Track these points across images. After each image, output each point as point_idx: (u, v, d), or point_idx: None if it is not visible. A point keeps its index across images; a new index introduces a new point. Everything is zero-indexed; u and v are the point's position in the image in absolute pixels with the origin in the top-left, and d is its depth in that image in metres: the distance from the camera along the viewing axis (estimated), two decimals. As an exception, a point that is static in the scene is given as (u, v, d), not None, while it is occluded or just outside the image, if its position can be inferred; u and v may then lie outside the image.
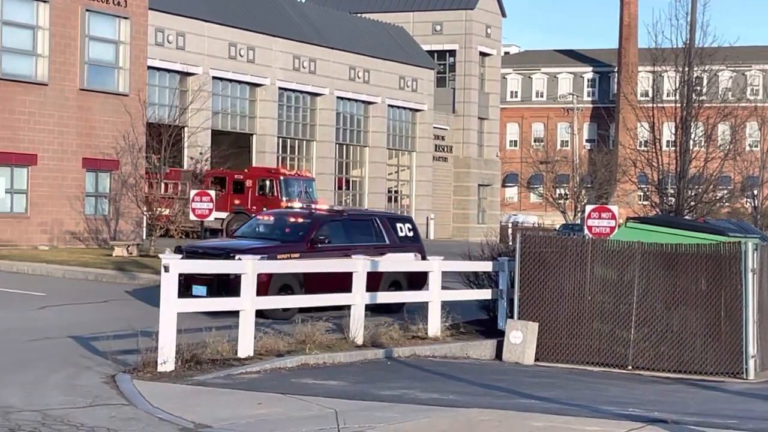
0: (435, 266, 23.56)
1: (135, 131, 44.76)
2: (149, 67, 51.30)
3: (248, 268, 19.18)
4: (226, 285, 23.02)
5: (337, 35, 72.66)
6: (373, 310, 23.65)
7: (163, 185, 47.35)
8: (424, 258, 27.42)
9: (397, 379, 18.22)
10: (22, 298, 28.42)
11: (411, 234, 28.51)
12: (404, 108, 79.12)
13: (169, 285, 17.54)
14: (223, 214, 53.36)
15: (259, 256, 22.69)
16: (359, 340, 21.15)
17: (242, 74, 64.97)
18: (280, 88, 67.79)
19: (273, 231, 26.96)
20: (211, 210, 36.06)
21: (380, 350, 20.99)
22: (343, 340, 21.22)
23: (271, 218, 28.05)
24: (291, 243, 25.74)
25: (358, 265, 21.55)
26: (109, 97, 46.51)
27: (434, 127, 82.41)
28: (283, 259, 24.56)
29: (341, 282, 22.42)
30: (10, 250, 40.26)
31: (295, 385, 16.81)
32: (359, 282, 21.44)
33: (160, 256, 18.32)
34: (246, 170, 58.24)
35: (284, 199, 53.04)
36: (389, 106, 77.00)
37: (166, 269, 17.54)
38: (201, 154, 52.30)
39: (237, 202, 54.22)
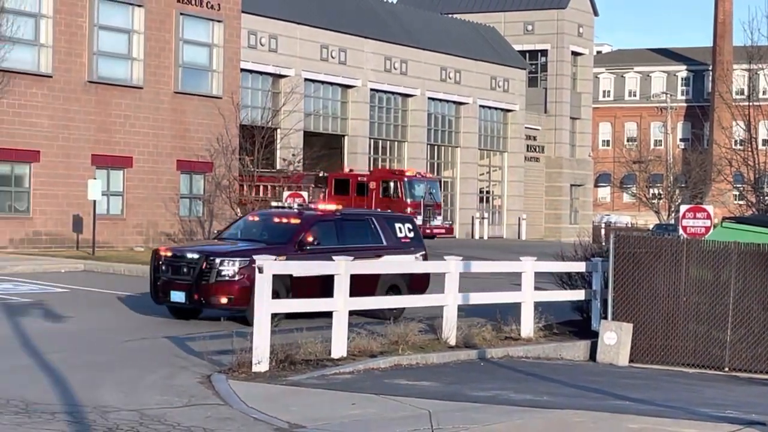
0: (528, 267, 23.42)
1: (228, 133, 45.13)
2: (242, 70, 51.75)
3: (342, 268, 19.22)
4: (206, 290, 22.84)
5: (428, 36, 72.61)
6: (365, 315, 23.50)
7: (262, 187, 47.74)
8: (425, 259, 26.53)
9: (490, 380, 18.15)
10: (117, 301, 28.76)
11: (411, 234, 26.87)
12: (496, 108, 78.88)
13: (262, 286, 17.65)
14: None
15: (238, 260, 22.86)
16: (452, 341, 21.11)
17: (334, 76, 65.20)
18: (371, 90, 67.93)
19: (260, 232, 25.41)
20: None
21: (473, 351, 20.93)
22: (435, 340, 21.19)
23: (258, 219, 26.38)
24: (277, 245, 23.89)
25: (451, 266, 21.49)
26: (202, 100, 46.97)
27: (526, 127, 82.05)
28: None
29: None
30: (107, 252, 40.82)
31: (388, 386, 16.81)
32: (452, 283, 21.38)
33: (254, 257, 18.44)
34: (369, 172, 58.34)
35: (409, 200, 52.99)
36: (480, 106, 76.80)
37: (260, 270, 17.66)
38: (293, 155, 52.58)
39: (361, 204, 54.00)
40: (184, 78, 46.77)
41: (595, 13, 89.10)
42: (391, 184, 54.03)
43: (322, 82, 65.22)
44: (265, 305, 17.63)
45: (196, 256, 23.45)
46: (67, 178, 42.24)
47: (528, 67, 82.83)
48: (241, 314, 23.21)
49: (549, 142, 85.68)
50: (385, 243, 25.83)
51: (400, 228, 26.58)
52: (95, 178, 41.59)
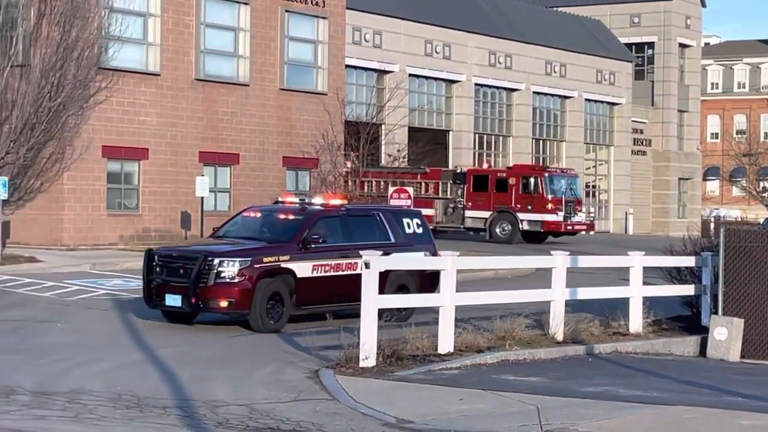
0: (636, 261, 23.16)
1: (333, 129, 45.34)
2: (347, 66, 51.93)
3: (448, 264, 19.19)
4: (205, 293, 21.58)
5: (533, 29, 72.24)
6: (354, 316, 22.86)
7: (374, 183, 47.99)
8: (431, 254, 24.75)
9: (598, 376, 17.99)
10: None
11: (420, 230, 25.33)
12: (602, 102, 78.21)
13: (370, 281, 17.67)
14: (486, 213, 53.53)
15: (238, 260, 21.74)
16: (559, 337, 20.96)
17: (438, 71, 65.16)
18: (476, 84, 67.76)
19: (260, 230, 23.96)
20: (408, 206, 36.17)
21: (581, 347, 20.76)
22: (542, 336, 21.05)
23: (258, 215, 24.75)
24: (279, 244, 22.74)
25: (558, 261, 21.35)
26: (308, 97, 47.22)
27: (632, 121, 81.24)
28: (270, 262, 22.09)
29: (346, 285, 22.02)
30: (215, 248, 41.17)
31: (495, 381, 16.76)
32: (559, 278, 21.22)
33: (361, 253, 18.48)
34: (508, 168, 58.23)
35: (549, 196, 52.76)
36: (586, 100, 76.21)
37: (367, 266, 17.68)
38: (398, 151, 52.67)
39: (500, 200, 53.67)
40: (290, 75, 47.05)
41: (703, 5, 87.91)
42: (531, 180, 53.31)
43: (427, 78, 65.23)
44: (372, 300, 17.65)
45: (193, 256, 22.14)
46: (175, 175, 42.75)
47: (634, 59, 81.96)
48: (243, 318, 22.24)
49: (656, 136, 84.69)
50: (393, 239, 24.42)
51: (408, 223, 25.20)
52: (203, 175, 42.02)
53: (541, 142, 74.46)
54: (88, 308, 25.22)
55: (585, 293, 22.74)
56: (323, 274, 22.89)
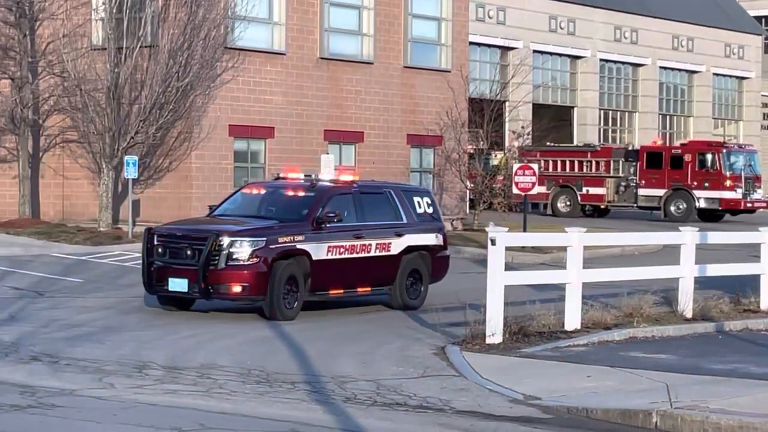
0: (767, 237, 22.70)
1: (458, 107, 45.21)
2: (470, 43, 51.73)
3: (574, 240, 19.06)
4: (216, 276, 19.88)
5: (659, 3, 71.17)
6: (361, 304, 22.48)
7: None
8: (445, 240, 23.75)
9: (728, 353, 17.73)
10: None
11: (430, 210, 23.61)
12: (730, 76, 76.84)
13: (495, 258, 17.64)
14: (660, 191, 52.64)
15: (253, 240, 20.03)
16: (688, 314, 20.71)
17: (563, 47, 64.59)
18: (601, 60, 67.04)
19: (265, 208, 22.08)
20: (534, 183, 35.96)
21: (710, 324, 20.48)
22: (671, 313, 20.82)
23: (262, 191, 22.78)
24: (292, 223, 20.98)
25: (686, 237, 21.07)
26: (431, 74, 47.16)
27: (762, 95, 79.67)
28: (286, 243, 20.33)
29: (367, 268, 21.57)
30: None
31: (623, 358, 16.63)
32: (687, 254, 20.94)
33: (487, 229, 18.46)
34: (683, 144, 57.50)
35: (728, 173, 51.88)
36: (714, 74, 74.94)
37: (493, 242, 17.64)
38: (522, 128, 52.36)
39: (675, 177, 52.50)
40: (414, 52, 47.01)
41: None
42: (708, 157, 52.10)
43: (551, 54, 64.70)
44: (498, 277, 17.63)
45: (201, 235, 20.21)
46: (301, 153, 43.02)
47: (764, 32, 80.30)
48: (257, 305, 20.52)
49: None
50: (405, 220, 22.76)
51: (419, 203, 23.37)
52: (328, 153, 42.25)
53: (667, 117, 73.43)
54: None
55: (714, 270, 22.40)
56: (338, 256, 21.24)
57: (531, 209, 52.57)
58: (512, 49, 60.58)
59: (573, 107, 66.72)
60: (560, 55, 65.28)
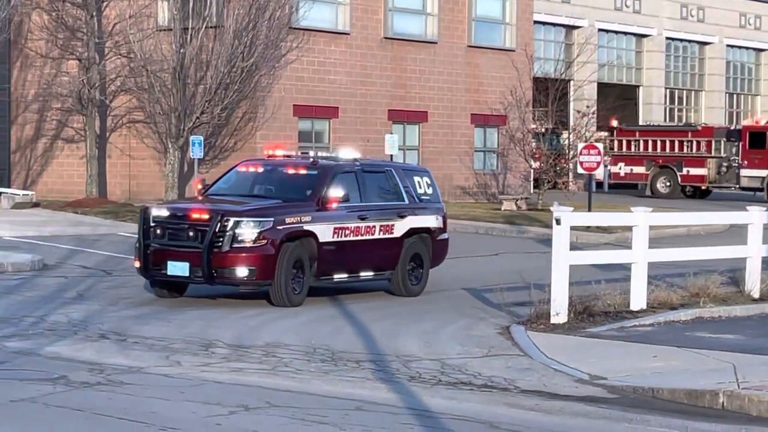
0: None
1: (522, 86, 45.04)
2: (535, 22, 51.49)
3: (640, 220, 18.93)
4: (220, 259, 18.51)
5: (726, -19, 70.40)
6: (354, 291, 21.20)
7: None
8: (445, 222, 22.40)
9: (796, 335, 17.56)
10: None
11: (430, 191, 22.25)
12: (798, 54, 75.89)
13: (560, 238, 17.56)
14: (763, 172, 51.34)
15: (260, 221, 18.68)
16: (755, 294, 20.49)
17: (628, 25, 64.04)
18: (667, 38, 66.38)
19: (265, 187, 20.69)
20: (598, 163, 35.69)
21: (778, 304, 20.28)
22: (738, 293, 20.61)
23: (260, 170, 21.09)
24: (297, 203, 19.68)
25: (754, 217, 20.85)
26: (496, 53, 47.04)
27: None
28: (293, 223, 19.03)
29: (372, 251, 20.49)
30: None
31: (689, 339, 16.50)
32: (755, 233, 20.72)
33: (551, 209, 18.38)
34: None
35: None
36: (782, 52, 74.04)
37: (558, 222, 17.56)
38: (587, 107, 52.07)
39: None
40: (477, 32, 46.91)
41: None
42: None
43: (616, 32, 64.19)
44: (563, 256, 17.55)
45: (206, 215, 18.74)
46: (365, 133, 43.08)
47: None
48: (263, 289, 19.12)
49: None
50: (406, 200, 21.41)
51: (419, 182, 22.02)
52: (392, 133, 42.27)
53: (734, 96, 72.61)
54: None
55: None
56: (344, 238, 19.96)
57: (630, 190, 52.38)
58: (577, 27, 60.16)
59: (638, 86, 66.14)
60: (625, 33, 64.72)
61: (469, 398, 12.84)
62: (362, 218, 20.27)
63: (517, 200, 41.69)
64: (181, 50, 36.52)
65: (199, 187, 21.13)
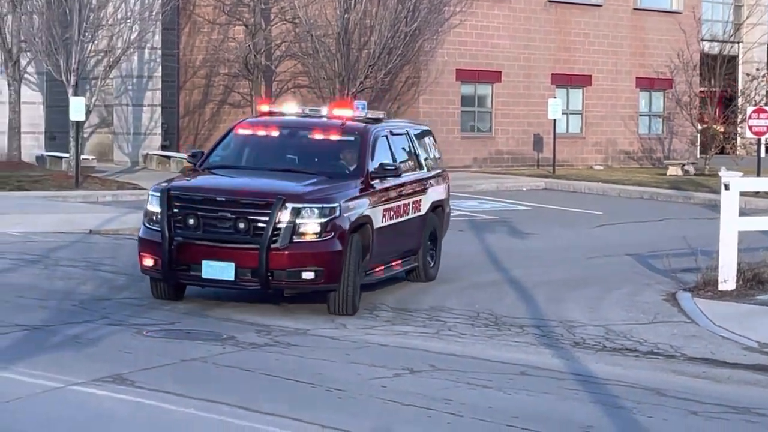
0: None
1: (690, 48, 44.23)
2: (703, -17, 50.45)
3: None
4: (279, 259, 14.13)
5: None
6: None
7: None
8: (449, 191, 19.08)
9: None
10: (580, 216, 29.07)
11: (438, 154, 18.86)
12: None
13: (728, 203, 17.22)
14: None
15: (326, 207, 14.34)
16: None
17: (800, -15, 62.28)
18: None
19: (283, 157, 16.16)
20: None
21: None
22: None
23: (274, 134, 16.41)
24: (341, 179, 15.42)
25: None
26: (662, 16, 46.29)
27: None
28: (354, 209, 14.92)
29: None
30: (567, 170, 41.23)
31: None
32: None
33: (720, 174, 18.05)
34: None
35: None
36: None
37: (726, 187, 17.22)
38: (757, 70, 50.84)
39: None
40: (644, -6, 46.26)
41: None
42: None
43: (788, -7, 62.46)
44: (732, 222, 17.20)
45: (261, 200, 14.23)
46: (528, 98, 42.89)
47: None
48: (326, 291, 14.73)
49: None
50: (425, 169, 17.86)
51: (428, 145, 18.53)
52: (555, 98, 41.97)
53: None
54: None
55: None
56: (389, 222, 16.02)
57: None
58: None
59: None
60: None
61: (634, 365, 12.74)
62: (400, 195, 16.48)
63: (683, 165, 41.08)
64: (345, 15, 36.75)
65: (187, 155, 16.98)
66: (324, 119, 16.67)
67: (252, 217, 14.10)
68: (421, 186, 17.35)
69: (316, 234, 14.16)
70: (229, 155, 16.31)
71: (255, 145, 16.38)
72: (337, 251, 14.23)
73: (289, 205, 14.06)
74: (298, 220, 14.10)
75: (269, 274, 14.05)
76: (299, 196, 14.28)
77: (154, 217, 14.60)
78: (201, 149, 16.99)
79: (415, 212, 17.07)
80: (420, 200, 17.25)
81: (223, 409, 10.15)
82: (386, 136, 16.76)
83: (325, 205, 14.22)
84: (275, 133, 16.40)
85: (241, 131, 16.56)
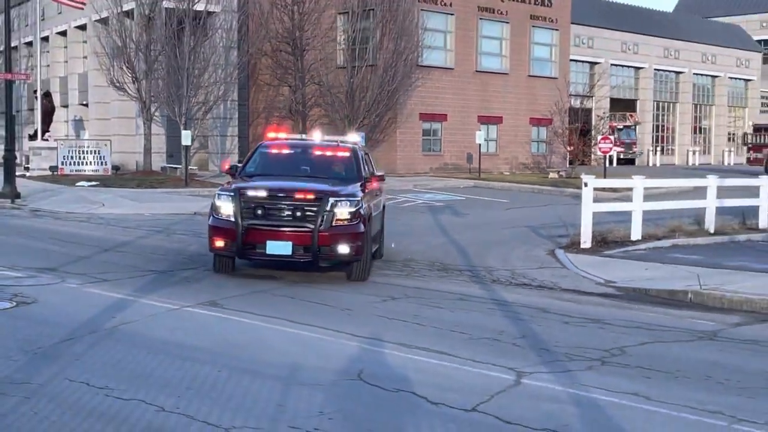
0: (764, 181, 21.46)
1: (562, 100, 43.99)
2: (570, 60, 50.15)
3: (638, 184, 18.40)
4: (325, 239, 12.68)
5: (691, 31, 67.43)
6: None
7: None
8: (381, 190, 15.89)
9: (737, 256, 16.92)
10: (496, 203, 29.01)
11: (374, 167, 15.75)
12: (739, 79, 72.48)
13: (587, 195, 17.23)
14: None
15: (354, 201, 13.02)
16: (711, 230, 19.78)
17: (629, 61, 61.84)
18: (654, 69, 63.99)
19: (301, 167, 14.39)
20: (610, 148, 34.59)
21: (725, 237, 19.50)
22: (700, 229, 19.86)
23: (289, 151, 14.79)
24: (350, 183, 13.80)
25: (710, 181, 20.13)
26: (545, 80, 45.85)
27: (761, 91, 75.02)
28: (366, 202, 13.49)
29: None
30: (487, 175, 41.08)
31: (669, 258, 16.06)
32: (712, 192, 19.99)
33: (582, 176, 18.01)
34: None
35: None
36: (729, 77, 70.81)
37: (586, 185, 17.25)
38: (603, 113, 50.80)
39: None
40: (534, 66, 45.90)
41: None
42: None
43: (622, 65, 61.99)
44: (588, 206, 17.20)
45: (311, 196, 12.79)
46: (464, 131, 42.72)
47: (762, 50, 75.21)
48: (352, 262, 13.18)
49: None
50: (374, 170, 15.46)
51: (371, 160, 15.98)
52: (480, 130, 41.83)
53: (698, 107, 69.69)
54: (413, 211, 25.69)
55: (729, 202, 21.32)
56: (373, 214, 14.21)
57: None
58: (597, 63, 58.40)
59: (635, 100, 63.96)
60: (627, 66, 62.45)
61: (529, 293, 12.73)
62: (375, 195, 14.79)
63: (558, 171, 41.01)
64: (351, 80, 36.62)
65: (227, 167, 15.24)
66: (319, 141, 15.16)
67: (306, 208, 12.68)
68: (379, 187, 15.45)
69: (347, 220, 12.79)
70: (259, 166, 14.35)
71: (277, 159, 14.53)
72: (362, 232, 12.90)
73: (331, 199, 12.76)
74: (336, 210, 12.76)
75: (318, 249, 12.70)
76: (336, 193, 12.95)
77: (222, 210, 12.90)
78: (235, 164, 14.75)
79: (380, 207, 15.48)
80: (380, 200, 15.70)
81: (276, 321, 10.11)
82: (364, 153, 15.31)
83: (353, 199, 12.96)
84: (289, 151, 14.78)
85: (264, 150, 14.76)
